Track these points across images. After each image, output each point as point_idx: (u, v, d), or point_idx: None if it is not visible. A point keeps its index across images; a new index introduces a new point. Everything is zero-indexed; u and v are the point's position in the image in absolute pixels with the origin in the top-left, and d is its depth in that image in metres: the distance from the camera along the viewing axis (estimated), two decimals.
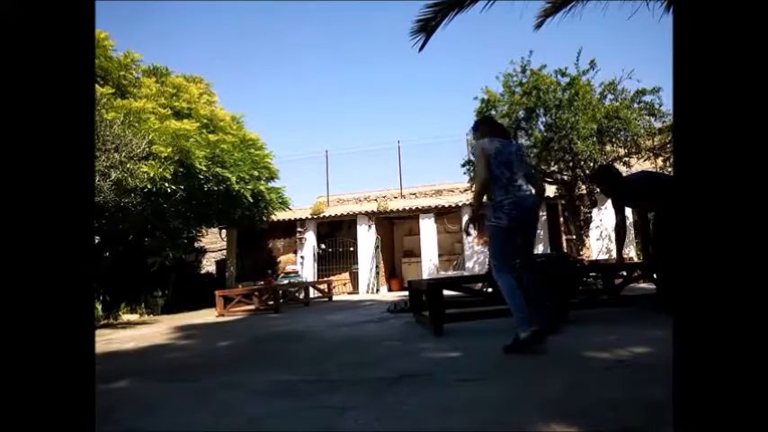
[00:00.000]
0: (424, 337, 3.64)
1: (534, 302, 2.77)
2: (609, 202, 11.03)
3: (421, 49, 5.75)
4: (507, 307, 2.76)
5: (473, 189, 4.85)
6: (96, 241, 8.95)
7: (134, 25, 31.89)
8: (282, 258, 13.63)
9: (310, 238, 13.23)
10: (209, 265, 15.56)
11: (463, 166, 10.19)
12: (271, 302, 8.23)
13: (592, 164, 9.11)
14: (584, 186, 9.56)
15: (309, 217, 13.28)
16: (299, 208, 13.46)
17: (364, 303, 8.10)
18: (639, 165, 11.18)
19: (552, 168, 9.69)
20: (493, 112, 9.39)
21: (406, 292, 5.05)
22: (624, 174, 4.69)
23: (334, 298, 10.23)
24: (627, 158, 9.63)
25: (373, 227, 12.77)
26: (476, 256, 11.66)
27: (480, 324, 3.74)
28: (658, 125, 9.04)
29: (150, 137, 7.18)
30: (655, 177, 4.43)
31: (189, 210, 9.25)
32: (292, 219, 13.21)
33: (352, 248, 13.07)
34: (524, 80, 9.14)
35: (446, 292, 3.75)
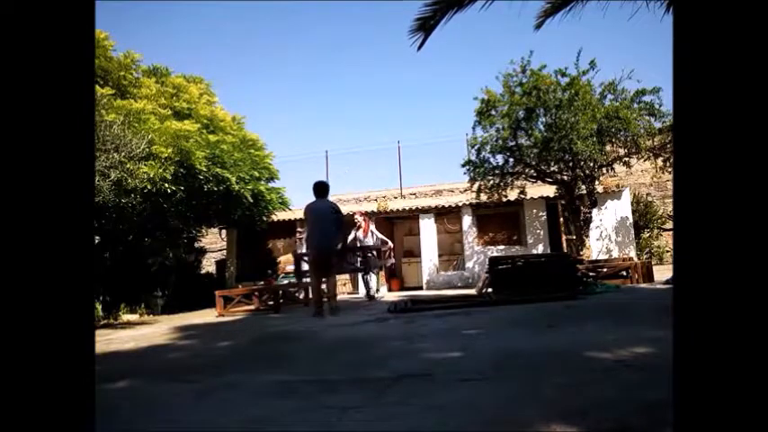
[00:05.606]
0: (425, 336, 3.64)
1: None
2: (608, 201, 11.10)
3: (419, 47, 5.77)
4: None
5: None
6: (96, 241, 8.95)
7: (134, 25, 31.90)
8: (282, 258, 13.62)
9: None
10: (209, 266, 15.56)
11: (463, 166, 10.19)
12: (271, 302, 8.22)
13: (592, 164, 9.12)
14: (584, 186, 9.56)
15: None
16: (299, 208, 13.43)
17: (364, 303, 8.10)
18: (639, 165, 11.20)
19: (552, 168, 9.69)
20: (493, 113, 9.40)
21: (407, 292, 5.08)
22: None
23: None
24: (627, 158, 9.64)
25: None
26: (476, 256, 11.65)
27: (480, 324, 3.74)
28: (658, 125, 9.06)
29: (150, 137, 7.18)
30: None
31: (189, 210, 9.24)
32: (292, 219, 13.20)
33: None
34: (524, 80, 9.14)
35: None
